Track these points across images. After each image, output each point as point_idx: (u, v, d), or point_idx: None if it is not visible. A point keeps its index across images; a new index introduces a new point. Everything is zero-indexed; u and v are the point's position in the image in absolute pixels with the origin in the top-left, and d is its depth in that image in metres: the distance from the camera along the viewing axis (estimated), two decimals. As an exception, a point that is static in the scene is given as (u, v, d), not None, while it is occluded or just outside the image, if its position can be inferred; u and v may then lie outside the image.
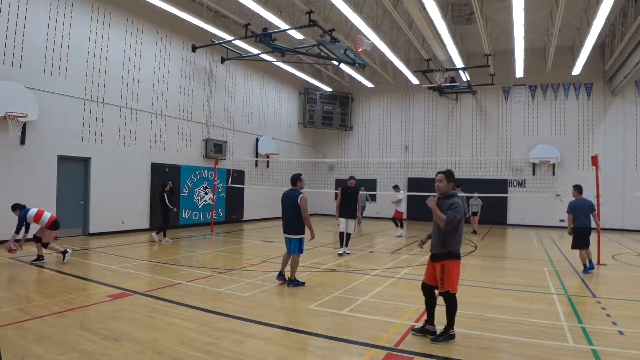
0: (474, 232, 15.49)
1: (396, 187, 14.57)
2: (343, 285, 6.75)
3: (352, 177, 10.30)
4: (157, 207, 12.58)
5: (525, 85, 19.02)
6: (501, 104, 19.64)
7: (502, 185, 18.75)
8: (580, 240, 8.30)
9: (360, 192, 11.02)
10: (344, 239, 10.02)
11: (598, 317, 5.31)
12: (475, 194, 15.68)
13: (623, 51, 14.21)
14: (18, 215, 7.83)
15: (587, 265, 8.33)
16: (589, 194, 8.86)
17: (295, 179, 6.84)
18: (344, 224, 9.98)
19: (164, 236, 11.34)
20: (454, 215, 4.25)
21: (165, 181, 11.91)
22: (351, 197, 10.11)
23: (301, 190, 6.76)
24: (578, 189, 8.64)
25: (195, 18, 13.21)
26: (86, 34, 11.56)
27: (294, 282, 6.67)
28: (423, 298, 6.01)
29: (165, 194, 11.40)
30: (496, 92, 19.51)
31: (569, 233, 8.47)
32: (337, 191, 11.00)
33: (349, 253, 9.96)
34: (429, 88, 18.66)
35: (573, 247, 8.47)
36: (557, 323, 4.97)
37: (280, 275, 6.81)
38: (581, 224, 8.33)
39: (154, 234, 11.54)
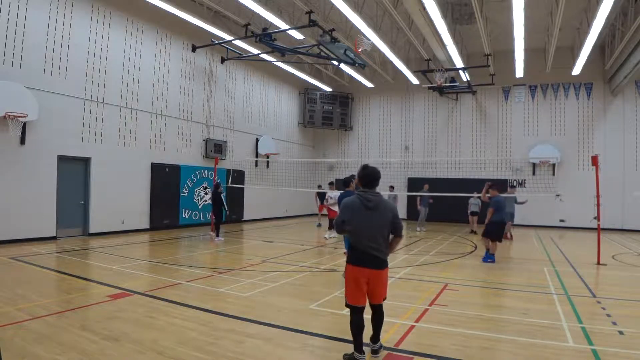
0: (473, 232, 15.45)
1: (331, 185, 13.97)
2: (343, 286, 6.74)
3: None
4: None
5: (525, 85, 19.01)
6: (501, 104, 19.64)
7: (502, 185, 18.72)
8: (501, 233, 9.52)
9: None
10: None
11: (598, 317, 5.31)
12: (475, 194, 15.61)
13: (623, 51, 14.21)
14: None
15: (492, 253, 9.33)
16: (589, 194, 8.92)
17: (348, 182, 7.42)
18: None
19: (217, 235, 11.89)
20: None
21: (219, 182, 12.62)
22: None
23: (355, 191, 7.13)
24: (499, 187, 9.84)
25: (195, 18, 13.21)
26: (86, 34, 11.56)
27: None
28: (422, 298, 6.04)
29: (220, 195, 12.03)
30: (496, 92, 19.51)
31: (487, 222, 9.45)
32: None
33: None
34: (429, 88, 18.65)
35: (496, 239, 9.36)
36: (557, 323, 4.96)
37: None
38: (503, 219, 9.58)
39: (212, 233, 12.12)
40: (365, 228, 3.72)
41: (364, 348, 3.80)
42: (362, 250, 3.73)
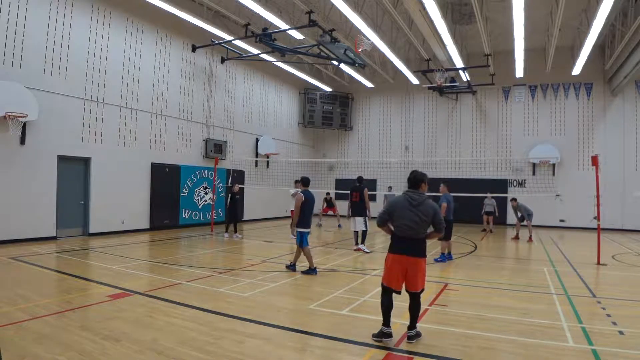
0: (490, 231, 15.87)
1: (297, 182, 13.80)
2: (343, 285, 6.75)
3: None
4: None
5: (525, 85, 19.01)
6: (501, 104, 19.64)
7: (502, 185, 18.75)
8: (450, 232, 9.22)
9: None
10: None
11: (598, 317, 5.31)
12: (489, 194, 15.70)
13: (623, 51, 14.21)
14: None
15: (446, 254, 9.27)
16: (589, 194, 8.92)
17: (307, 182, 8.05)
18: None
19: (235, 231, 12.83)
20: None
21: (235, 183, 13.36)
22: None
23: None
24: (448, 185, 9.55)
25: (195, 18, 13.21)
26: (86, 34, 11.56)
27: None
28: (423, 298, 6.02)
29: (228, 195, 12.86)
30: (496, 92, 19.51)
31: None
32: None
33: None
34: (429, 88, 18.65)
35: (443, 238, 9.07)
36: (557, 323, 4.97)
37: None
38: (452, 217, 9.28)
39: (235, 233, 12.76)
40: (408, 221, 4.31)
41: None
42: (402, 240, 4.32)
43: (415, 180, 4.51)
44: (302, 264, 7.90)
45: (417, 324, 4.41)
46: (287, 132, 21.47)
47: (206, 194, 15.76)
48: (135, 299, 5.66)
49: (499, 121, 19.64)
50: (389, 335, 4.26)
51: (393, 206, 4.43)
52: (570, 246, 12.49)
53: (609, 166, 16.53)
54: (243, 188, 16.90)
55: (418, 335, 4.30)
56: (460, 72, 17.19)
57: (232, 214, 12.87)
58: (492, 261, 9.96)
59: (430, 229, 4.45)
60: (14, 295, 5.61)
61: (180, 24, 13.91)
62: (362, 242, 10.49)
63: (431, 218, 4.33)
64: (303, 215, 7.59)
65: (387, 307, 4.34)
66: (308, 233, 7.70)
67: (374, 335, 4.29)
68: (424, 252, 4.36)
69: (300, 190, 7.91)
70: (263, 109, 19.48)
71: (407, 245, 4.30)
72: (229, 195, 12.88)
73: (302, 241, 7.56)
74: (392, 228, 4.47)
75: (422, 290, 4.38)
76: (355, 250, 10.42)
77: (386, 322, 4.31)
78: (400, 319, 4.87)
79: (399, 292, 4.35)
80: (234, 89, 17.51)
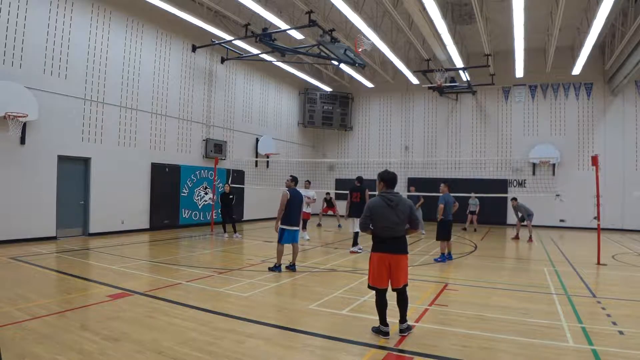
0: (465, 229, 16.07)
1: (308, 183, 13.61)
2: (343, 285, 6.75)
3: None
4: (161, 206, 12.71)
5: (525, 85, 19.01)
6: (501, 104, 19.64)
7: (502, 185, 18.75)
8: (449, 232, 9.24)
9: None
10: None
11: (598, 317, 5.31)
12: (472, 194, 15.74)
13: (623, 51, 14.21)
14: None
15: (446, 254, 9.21)
16: (589, 194, 8.91)
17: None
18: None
19: (235, 231, 12.89)
20: None
21: (226, 183, 13.55)
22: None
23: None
24: (449, 185, 9.61)
25: (195, 18, 13.21)
26: (86, 34, 11.56)
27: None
28: (422, 298, 6.04)
29: (221, 195, 12.92)
30: (496, 92, 19.51)
31: (439, 219, 9.27)
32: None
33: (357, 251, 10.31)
34: (429, 88, 18.65)
35: (442, 238, 9.19)
36: (557, 323, 4.96)
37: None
38: (450, 217, 9.33)
39: (235, 233, 12.84)
40: (388, 222, 4.44)
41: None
42: (384, 239, 4.44)
43: (394, 180, 4.64)
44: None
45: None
46: (287, 132, 21.46)
47: (206, 194, 15.76)
48: (135, 299, 5.66)
49: (499, 121, 19.63)
50: (386, 333, 4.36)
51: (372, 209, 4.52)
52: (570, 246, 12.49)
53: (609, 166, 16.53)
54: (243, 188, 16.91)
55: (409, 328, 4.46)
56: (460, 72, 17.19)
57: (224, 214, 12.86)
58: (492, 261, 9.95)
59: (407, 226, 4.60)
60: (14, 295, 5.61)
61: (180, 24, 13.91)
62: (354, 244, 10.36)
63: (407, 216, 4.51)
64: (289, 212, 7.62)
65: (381, 305, 4.45)
66: (294, 232, 7.68)
67: (372, 329, 4.49)
68: (406, 249, 4.55)
69: (287, 189, 7.84)
70: (263, 109, 19.48)
71: (389, 244, 4.44)
72: (220, 195, 12.95)
73: (281, 237, 7.63)
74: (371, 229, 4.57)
75: (406, 284, 4.51)
76: (351, 252, 10.26)
77: (383, 321, 4.43)
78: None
79: (385, 290, 4.48)
80: (234, 89, 17.51)
